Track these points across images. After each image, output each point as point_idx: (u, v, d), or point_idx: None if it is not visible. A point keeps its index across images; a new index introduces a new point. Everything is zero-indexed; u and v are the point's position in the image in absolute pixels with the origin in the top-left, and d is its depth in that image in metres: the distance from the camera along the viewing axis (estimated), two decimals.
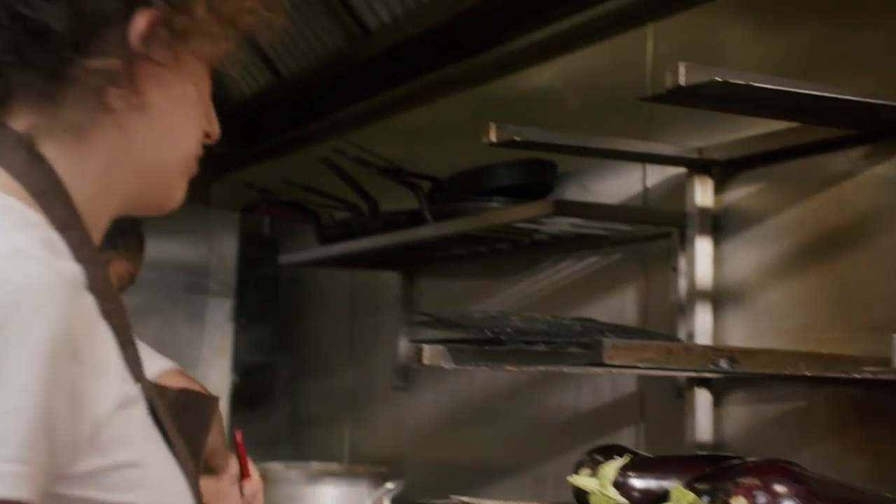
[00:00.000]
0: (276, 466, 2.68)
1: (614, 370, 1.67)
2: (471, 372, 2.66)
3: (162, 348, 3.20)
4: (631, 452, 1.42)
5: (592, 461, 1.43)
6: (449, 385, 2.76)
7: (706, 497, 1.28)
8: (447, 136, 2.81)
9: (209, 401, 1.07)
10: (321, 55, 3.02)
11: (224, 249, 3.30)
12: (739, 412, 1.96)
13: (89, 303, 0.82)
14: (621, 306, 2.24)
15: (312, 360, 3.42)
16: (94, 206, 0.93)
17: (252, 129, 3.59)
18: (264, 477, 2.62)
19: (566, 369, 2.01)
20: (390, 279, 2.98)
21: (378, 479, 2.63)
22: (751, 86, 1.49)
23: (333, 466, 2.77)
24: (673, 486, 1.34)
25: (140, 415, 0.86)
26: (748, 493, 1.19)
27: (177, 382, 2.15)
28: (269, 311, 3.42)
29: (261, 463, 2.75)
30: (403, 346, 2.91)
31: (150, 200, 0.99)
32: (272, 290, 3.45)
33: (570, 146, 1.98)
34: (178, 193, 0.99)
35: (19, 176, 0.88)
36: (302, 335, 3.49)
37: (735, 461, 1.33)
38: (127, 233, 2.22)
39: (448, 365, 1.87)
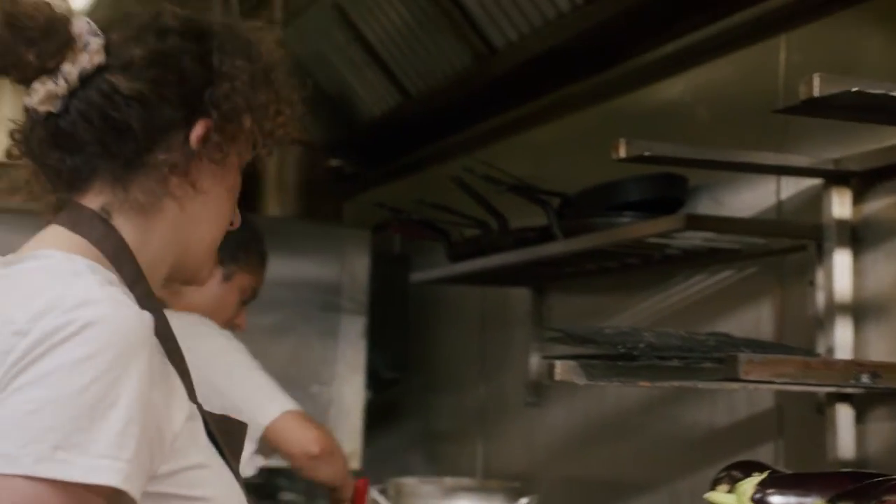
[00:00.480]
0: (410, 481, 2.72)
1: (750, 385, 1.65)
2: (602, 388, 2.66)
3: (297, 365, 3.32)
4: (769, 469, 1.40)
5: (730, 478, 1.41)
6: (581, 401, 2.76)
7: None
8: (575, 152, 2.82)
9: (242, 427, 1.23)
10: (448, 74, 3.06)
11: (356, 267, 3.36)
12: (884, 428, 1.91)
13: (156, 342, 1.04)
14: (756, 321, 2.21)
15: (444, 376, 3.45)
16: (152, 268, 1.14)
17: (382, 148, 3.67)
18: (399, 491, 2.68)
19: (700, 385, 1.99)
20: (520, 295, 3.00)
21: (512, 495, 2.63)
22: (888, 95, 1.47)
23: (467, 481, 2.79)
24: (814, 503, 1.32)
25: (199, 427, 1.10)
26: None
27: (297, 422, 2.22)
28: (402, 329, 3.47)
29: (394, 478, 2.81)
30: (535, 361, 2.92)
31: (184, 271, 1.20)
32: (403, 307, 3.51)
33: (702, 160, 1.96)
34: (206, 270, 1.23)
35: (97, 243, 1.10)
36: (433, 351, 3.53)
37: (879, 479, 1.30)
38: (249, 249, 2.32)
39: (580, 380, 1.88)
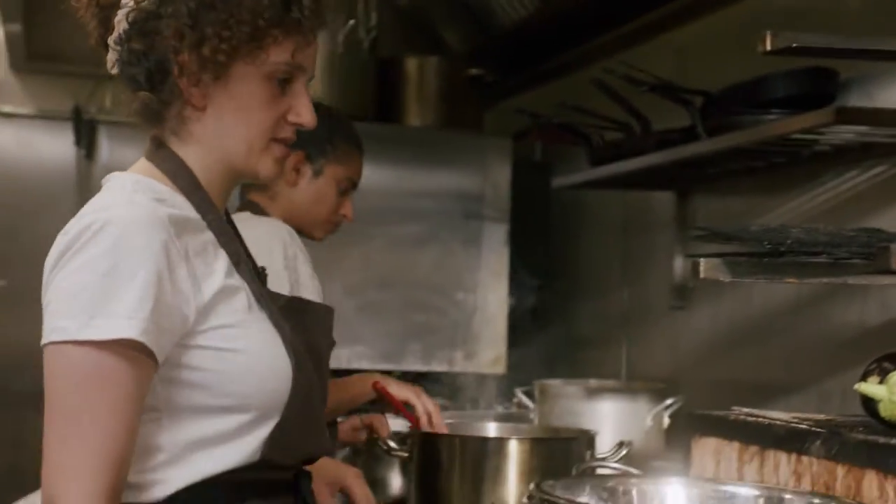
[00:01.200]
0: (554, 382, 2.76)
1: None
2: (748, 289, 2.63)
3: (442, 273, 3.38)
4: None
5: (881, 369, 1.40)
6: (727, 303, 2.74)
7: None
8: (718, 51, 2.75)
9: (314, 307, 1.50)
10: None
11: (498, 176, 3.38)
12: None
13: (193, 232, 1.29)
14: None
15: (587, 281, 3.47)
16: (207, 176, 1.37)
17: (521, 55, 3.64)
18: (544, 392, 2.72)
19: (850, 280, 1.96)
20: (663, 199, 2.98)
21: (656, 396, 2.65)
22: None
23: (611, 383, 2.82)
24: None
25: (241, 298, 1.31)
26: None
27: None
28: (543, 235, 3.49)
29: (539, 380, 2.85)
30: (679, 265, 2.91)
31: (244, 170, 1.38)
32: (545, 213, 3.52)
33: (853, 50, 1.90)
34: (262, 168, 1.38)
35: (158, 164, 1.36)
36: (576, 257, 3.54)
37: None
38: (333, 141, 2.33)
39: (725, 277, 1.87)
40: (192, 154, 1.37)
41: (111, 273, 1.21)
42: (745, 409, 1.75)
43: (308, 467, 1.45)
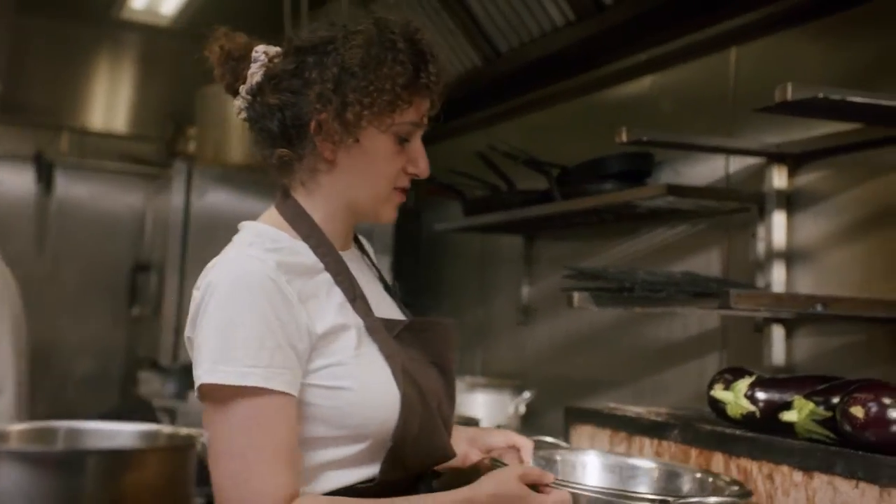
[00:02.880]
0: None
1: (738, 312, 1.71)
2: (579, 311, 2.71)
3: None
4: (755, 373, 1.47)
5: (724, 380, 1.48)
6: (562, 321, 2.81)
7: (822, 406, 1.33)
8: (563, 133, 2.85)
9: (435, 324, 1.25)
10: (461, 71, 3.06)
11: None
12: (808, 343, 1.99)
13: (306, 276, 1.13)
14: (707, 265, 2.26)
15: (451, 302, 3.48)
16: (328, 222, 1.20)
17: None
18: None
19: (678, 310, 2.05)
20: (514, 241, 3.04)
21: (515, 390, 2.70)
22: (845, 100, 1.52)
23: (482, 380, 2.85)
24: (791, 398, 1.38)
25: (351, 335, 1.14)
26: (863, 403, 1.24)
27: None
28: (416, 265, 3.50)
29: None
30: (525, 291, 2.98)
31: (367, 217, 1.23)
32: (417, 249, 3.53)
33: (681, 143, 2.01)
34: (384, 214, 1.22)
35: (282, 212, 1.21)
36: (442, 283, 3.55)
37: (839, 381, 1.37)
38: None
39: (592, 307, 1.94)
40: (318, 203, 1.20)
41: (227, 327, 1.07)
42: (612, 405, 1.81)
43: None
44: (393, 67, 1.13)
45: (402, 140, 1.18)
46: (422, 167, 1.21)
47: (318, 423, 1.12)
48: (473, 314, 3.31)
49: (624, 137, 1.92)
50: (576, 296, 1.90)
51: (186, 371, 3.45)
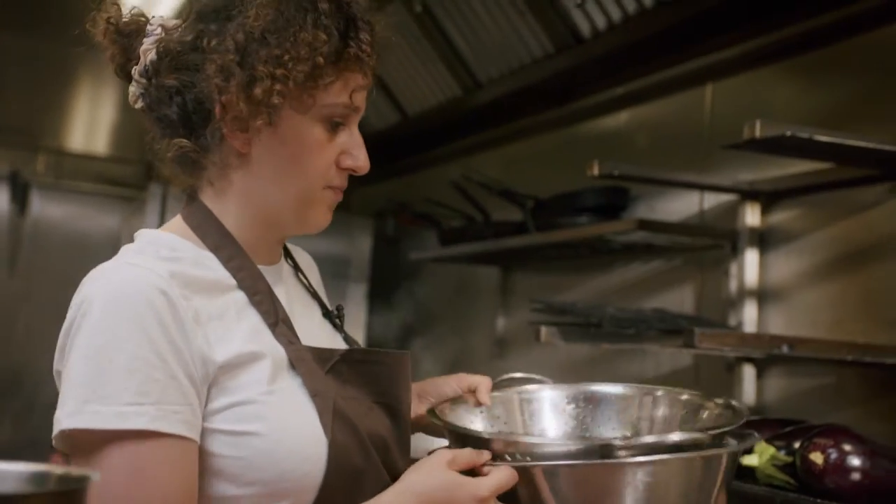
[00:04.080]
0: None
1: (702, 351, 1.68)
2: (555, 347, 2.68)
3: None
4: None
5: None
6: (536, 355, 2.77)
7: (783, 451, 1.29)
8: (538, 165, 2.83)
9: (382, 356, 1.03)
10: (441, 100, 3.05)
11: (362, 245, 3.35)
12: (779, 384, 1.96)
13: (210, 293, 0.91)
14: (680, 301, 2.24)
15: (426, 332, 3.45)
16: (242, 230, 0.98)
17: (382, 155, 3.63)
18: None
19: (646, 347, 2.03)
20: (489, 273, 3.01)
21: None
22: (811, 139, 1.51)
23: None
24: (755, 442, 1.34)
25: (263, 367, 0.91)
26: (823, 449, 1.20)
27: None
28: (394, 294, 3.47)
29: None
30: (500, 323, 2.95)
31: (291, 225, 0.99)
32: (396, 277, 3.50)
33: (654, 179, 1.99)
34: (313, 220, 0.98)
35: (186, 218, 0.99)
36: (418, 313, 3.53)
37: (803, 425, 1.34)
38: None
39: (559, 342, 1.91)
40: (231, 206, 0.97)
41: (101, 354, 0.85)
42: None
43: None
44: (313, 33, 0.92)
45: (334, 126, 0.96)
46: (360, 160, 0.98)
47: (220, 479, 0.89)
48: (449, 346, 3.27)
49: (596, 171, 1.90)
50: (543, 330, 1.87)
51: None
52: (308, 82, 0.92)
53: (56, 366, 0.91)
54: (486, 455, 0.94)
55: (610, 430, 1.14)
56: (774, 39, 2.03)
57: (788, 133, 1.48)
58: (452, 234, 2.74)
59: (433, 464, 0.93)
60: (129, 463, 0.83)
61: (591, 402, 1.16)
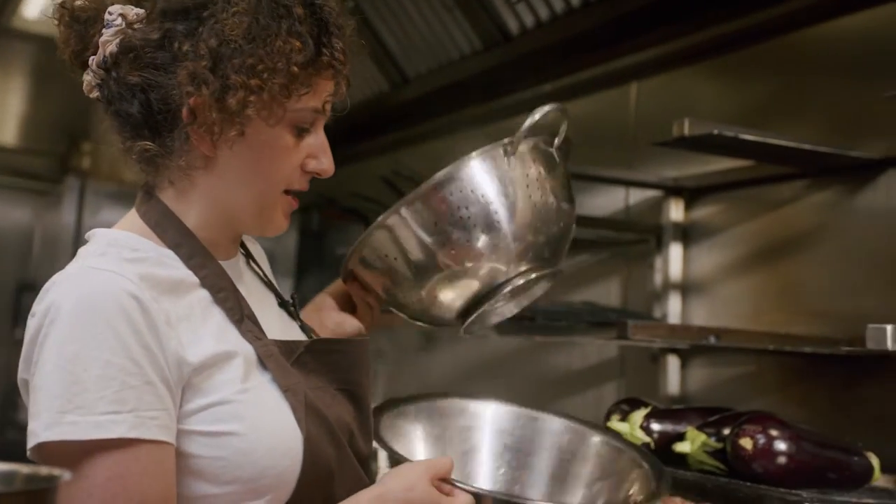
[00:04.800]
0: None
1: (635, 342, 1.72)
2: (482, 339, 2.71)
3: None
4: (651, 405, 1.48)
5: (621, 411, 1.48)
6: (464, 348, 2.80)
7: (713, 437, 1.34)
8: None
9: (343, 344, 1.04)
10: (369, 95, 3.04)
11: (287, 240, 3.32)
12: (702, 373, 2.03)
13: (176, 294, 0.90)
14: (607, 294, 2.29)
15: None
16: (203, 230, 0.96)
17: None
18: None
19: (577, 339, 2.07)
20: None
21: None
22: (737, 137, 1.56)
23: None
24: (685, 429, 1.39)
25: (236, 366, 0.90)
26: (752, 435, 1.25)
27: None
28: (319, 289, 3.44)
29: None
30: None
31: (251, 227, 0.99)
32: (321, 271, 3.48)
33: (582, 174, 2.03)
34: (272, 224, 0.98)
35: (143, 216, 0.96)
36: None
37: (729, 412, 1.39)
38: None
39: (493, 335, 1.93)
40: (192, 206, 0.95)
41: (74, 362, 0.83)
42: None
43: None
44: (288, 41, 0.90)
45: (301, 131, 0.95)
46: (325, 164, 0.98)
47: (198, 480, 0.88)
48: (376, 340, 3.26)
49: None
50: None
51: None
52: (282, 92, 0.91)
53: (21, 374, 0.89)
54: (449, 460, 0.95)
55: (543, 461, 1.20)
56: (696, 41, 2.09)
57: (716, 131, 1.53)
58: None
59: (416, 476, 0.93)
60: (110, 471, 0.82)
61: (529, 429, 1.23)
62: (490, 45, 2.54)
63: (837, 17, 1.80)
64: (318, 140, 0.97)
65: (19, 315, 3.37)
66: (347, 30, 0.97)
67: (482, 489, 0.99)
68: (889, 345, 1.14)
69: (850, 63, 1.78)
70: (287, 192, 0.98)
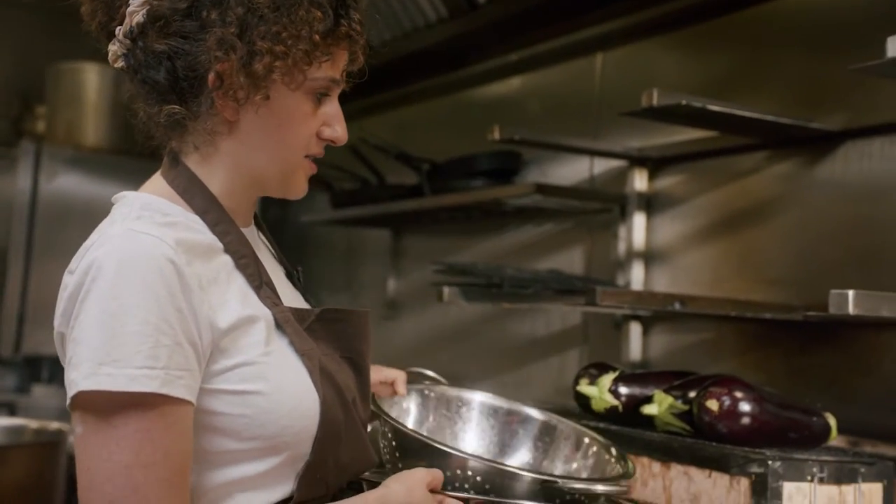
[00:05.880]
0: None
1: (602, 309, 1.75)
2: (446, 306, 2.73)
3: None
4: (619, 369, 1.51)
5: (589, 375, 1.51)
6: (428, 315, 2.81)
7: (680, 400, 1.38)
8: (432, 129, 2.86)
9: (349, 314, 1.09)
10: None
11: None
12: (663, 339, 2.08)
13: (205, 257, 0.94)
14: (570, 263, 2.32)
15: (317, 294, 3.43)
16: (228, 195, 1.01)
17: None
18: None
19: (544, 306, 2.10)
20: (381, 235, 3.03)
21: None
22: (705, 108, 1.59)
23: None
24: (652, 392, 1.43)
25: (259, 329, 0.95)
26: (718, 397, 1.30)
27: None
28: (285, 255, 3.43)
29: None
30: (392, 286, 2.97)
31: (275, 190, 1.04)
32: (283, 240, 3.46)
33: (550, 144, 2.05)
34: (294, 187, 1.04)
35: (171, 182, 1.01)
36: (307, 276, 3.50)
37: (696, 376, 1.43)
38: None
39: (462, 302, 1.95)
40: (216, 171, 1.00)
41: (114, 318, 0.87)
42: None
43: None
44: (310, 11, 0.96)
45: (319, 98, 1.01)
46: (339, 132, 1.04)
47: (223, 436, 0.93)
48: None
49: (496, 135, 1.94)
50: (446, 290, 1.91)
51: (29, 363, 3.26)
52: (304, 59, 0.96)
53: (58, 328, 0.93)
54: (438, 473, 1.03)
55: (525, 452, 1.31)
56: (661, 13, 2.11)
57: (684, 102, 1.56)
58: (346, 196, 2.73)
59: (416, 481, 1.00)
60: (138, 423, 0.87)
61: (511, 420, 1.34)
62: (456, 14, 2.53)
63: None
64: (333, 109, 1.04)
65: None
66: (363, 2, 1.03)
67: (469, 496, 1.06)
68: (850, 309, 1.18)
69: (811, 35, 1.81)
70: (307, 156, 1.03)
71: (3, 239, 3.02)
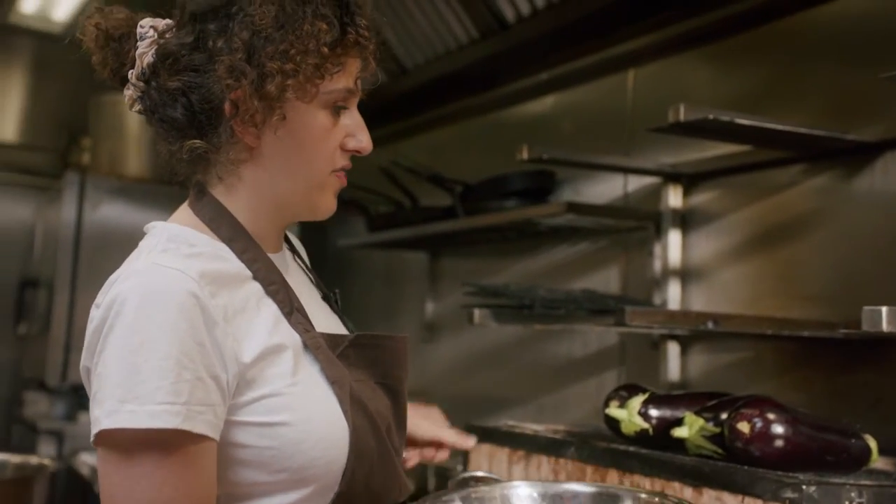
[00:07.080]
0: None
1: (633, 329, 1.73)
2: (483, 329, 2.71)
3: None
4: (649, 391, 1.48)
5: (619, 397, 1.48)
6: (465, 338, 2.80)
7: (711, 422, 1.35)
8: (465, 151, 2.85)
9: (385, 339, 1.07)
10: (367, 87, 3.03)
11: (289, 232, 3.32)
12: (701, 359, 2.03)
13: (233, 286, 0.93)
14: (606, 281, 2.30)
15: (355, 319, 3.44)
16: (254, 222, 1.00)
17: None
18: None
19: (576, 327, 2.07)
20: (417, 258, 3.03)
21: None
22: (733, 121, 1.56)
23: None
24: (683, 414, 1.40)
25: (286, 358, 0.94)
26: (749, 419, 1.26)
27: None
28: (323, 281, 3.45)
29: None
30: (429, 308, 2.96)
31: (301, 212, 1.02)
32: (322, 264, 3.48)
33: (580, 162, 2.03)
34: (322, 205, 1.02)
35: (198, 212, 1.01)
36: (346, 300, 3.51)
37: (727, 397, 1.39)
38: None
39: (493, 324, 1.93)
40: (241, 200, 0.99)
41: (136, 354, 0.86)
42: (511, 422, 1.80)
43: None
44: (315, 24, 0.94)
45: (337, 110, 0.99)
46: (363, 141, 1.01)
47: (250, 468, 0.92)
48: (378, 331, 3.26)
49: (525, 155, 1.93)
50: (476, 312, 1.90)
51: (75, 391, 3.31)
52: (315, 73, 0.94)
53: (84, 362, 0.93)
54: None
55: None
56: (693, 26, 2.09)
57: (711, 116, 1.53)
58: (381, 220, 2.74)
59: None
60: (159, 461, 0.86)
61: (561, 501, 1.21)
62: (487, 34, 2.54)
63: (832, 1, 1.80)
64: (354, 119, 1.02)
65: (22, 311, 3.38)
66: (367, 7, 1.00)
67: None
68: (884, 326, 1.14)
69: (845, 46, 1.77)
70: (334, 171, 1.01)
71: (50, 269, 3.10)
